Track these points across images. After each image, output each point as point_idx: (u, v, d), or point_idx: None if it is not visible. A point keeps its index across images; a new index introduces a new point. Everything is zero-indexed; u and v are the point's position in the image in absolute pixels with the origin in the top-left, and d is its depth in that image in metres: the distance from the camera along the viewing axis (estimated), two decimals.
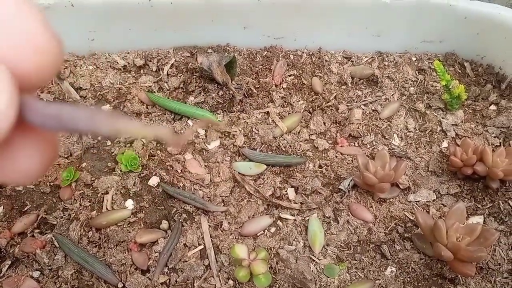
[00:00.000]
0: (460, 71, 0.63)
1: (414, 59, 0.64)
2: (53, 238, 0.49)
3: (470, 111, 0.60)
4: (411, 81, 0.62)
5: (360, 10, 0.60)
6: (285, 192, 0.52)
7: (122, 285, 0.46)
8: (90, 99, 0.60)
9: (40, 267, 0.47)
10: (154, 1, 0.58)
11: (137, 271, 0.47)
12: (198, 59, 0.57)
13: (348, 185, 0.52)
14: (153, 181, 0.53)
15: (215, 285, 0.46)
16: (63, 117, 0.18)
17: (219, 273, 0.46)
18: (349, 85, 0.62)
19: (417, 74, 0.63)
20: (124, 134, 0.18)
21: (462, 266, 0.43)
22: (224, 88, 0.59)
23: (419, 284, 0.46)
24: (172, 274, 0.46)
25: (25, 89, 0.19)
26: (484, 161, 0.51)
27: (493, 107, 0.60)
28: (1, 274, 0.47)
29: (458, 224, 0.44)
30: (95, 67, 0.63)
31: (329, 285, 0.46)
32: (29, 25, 0.19)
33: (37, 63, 0.19)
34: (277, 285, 0.46)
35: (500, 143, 0.56)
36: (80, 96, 0.60)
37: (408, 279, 0.46)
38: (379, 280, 0.46)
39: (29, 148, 0.20)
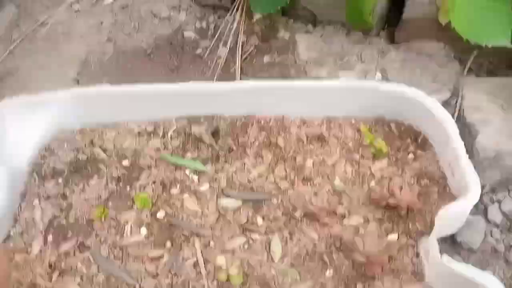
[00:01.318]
0: (388, 129, 0.85)
1: (353, 121, 0.86)
2: (90, 256, 0.69)
3: (394, 159, 0.81)
4: (350, 138, 0.84)
5: (311, 90, 0.83)
6: (255, 220, 0.72)
7: (139, 285, 0.65)
8: (115, 156, 0.82)
9: (80, 276, 0.67)
10: (161, 88, 0.82)
11: (149, 276, 0.66)
12: (192, 128, 0.80)
13: (301, 214, 0.72)
14: (160, 214, 0.73)
15: (204, 284, 0.65)
16: None
17: (207, 276, 0.66)
18: (304, 142, 0.83)
19: (355, 133, 0.85)
20: None
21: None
22: (211, 147, 0.81)
23: (349, 281, 0.65)
24: (174, 277, 0.66)
25: None
26: (395, 197, 0.71)
27: (411, 155, 0.81)
28: (52, 281, 0.66)
29: (371, 238, 0.65)
30: (117, 133, 0.85)
31: (285, 284, 0.65)
32: None
33: None
34: (248, 284, 0.65)
35: (414, 182, 0.77)
36: (106, 155, 0.82)
37: (342, 278, 0.66)
38: (321, 279, 0.66)
39: None
